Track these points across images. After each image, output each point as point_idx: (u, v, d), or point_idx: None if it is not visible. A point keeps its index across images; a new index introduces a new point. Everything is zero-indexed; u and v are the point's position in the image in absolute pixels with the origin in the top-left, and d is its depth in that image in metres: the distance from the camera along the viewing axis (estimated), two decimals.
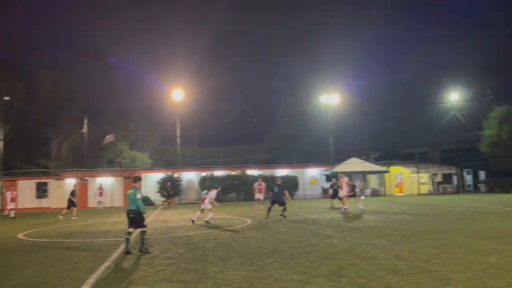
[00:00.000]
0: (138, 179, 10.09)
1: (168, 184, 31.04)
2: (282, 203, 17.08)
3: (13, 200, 23.41)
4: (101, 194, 29.92)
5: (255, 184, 25.10)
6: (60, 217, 20.01)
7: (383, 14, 79.87)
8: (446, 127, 44.94)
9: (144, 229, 9.59)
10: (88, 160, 46.96)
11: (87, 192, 33.78)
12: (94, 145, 48.30)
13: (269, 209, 17.08)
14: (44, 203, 32.83)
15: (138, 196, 9.54)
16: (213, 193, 15.88)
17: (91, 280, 6.89)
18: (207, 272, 7.21)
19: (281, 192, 17.46)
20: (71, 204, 20.84)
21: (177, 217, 19.50)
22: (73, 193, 21.25)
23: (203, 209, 15.82)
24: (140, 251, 9.40)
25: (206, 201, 15.65)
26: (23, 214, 26.90)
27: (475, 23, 75.33)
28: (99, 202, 29.89)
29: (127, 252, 9.34)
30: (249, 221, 16.08)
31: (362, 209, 18.99)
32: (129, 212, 9.63)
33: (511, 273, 6.48)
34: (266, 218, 16.55)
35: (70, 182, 33.86)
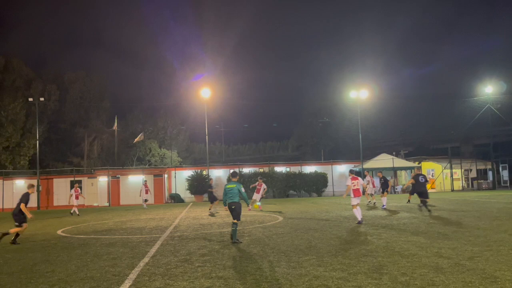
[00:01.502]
0: (235, 174, 11.03)
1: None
2: (427, 195, 16.06)
3: (77, 197, 22.93)
4: (146, 192, 28.41)
5: (257, 184, 21.82)
6: (210, 211, 20.11)
7: (415, 6, 78.13)
8: (480, 121, 43.55)
9: (238, 221, 10.35)
10: (119, 158, 48.06)
11: (119, 190, 34.53)
12: (124, 144, 49.38)
13: (425, 203, 15.81)
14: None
15: (242, 189, 10.47)
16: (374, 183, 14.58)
17: (132, 275, 7.02)
18: (244, 268, 7.22)
19: (426, 183, 16.44)
20: (213, 198, 20.82)
21: (208, 214, 19.65)
22: (210, 186, 21.40)
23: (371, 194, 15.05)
24: (233, 242, 10.02)
25: (369, 190, 14.75)
26: (58, 212, 27.79)
27: (510, 12, 72.59)
28: (145, 200, 28.23)
29: (235, 242, 10.01)
30: (280, 218, 16.04)
31: (383, 206, 19.22)
32: (231, 204, 10.35)
33: None
34: (430, 211, 15.37)
35: (103, 180, 34.72)
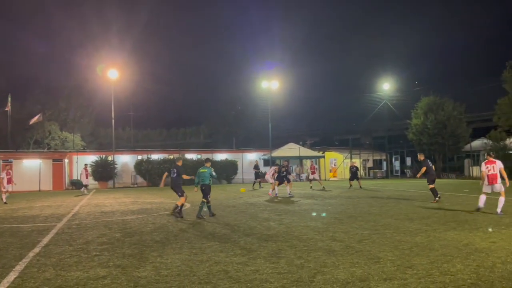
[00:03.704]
0: (208, 160, 12.83)
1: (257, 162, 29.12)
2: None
3: (10, 181, 19.22)
4: (86, 176, 25.66)
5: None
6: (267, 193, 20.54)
7: (320, 3, 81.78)
8: (378, 115, 47.40)
9: (207, 200, 12.03)
10: (12, 141, 43.68)
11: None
12: (19, 125, 44.96)
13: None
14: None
15: (213, 173, 12.31)
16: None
17: (19, 267, 6.47)
18: (145, 256, 7.06)
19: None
20: (257, 176, 22.28)
21: (112, 201, 18.84)
22: (257, 167, 23.79)
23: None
24: (197, 217, 11.71)
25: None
26: None
27: (411, 17, 79.47)
28: (84, 186, 25.41)
29: (199, 217, 11.69)
30: (187, 205, 15.91)
31: (290, 194, 19.42)
32: (202, 186, 12.04)
33: (434, 251, 7.02)
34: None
35: None
